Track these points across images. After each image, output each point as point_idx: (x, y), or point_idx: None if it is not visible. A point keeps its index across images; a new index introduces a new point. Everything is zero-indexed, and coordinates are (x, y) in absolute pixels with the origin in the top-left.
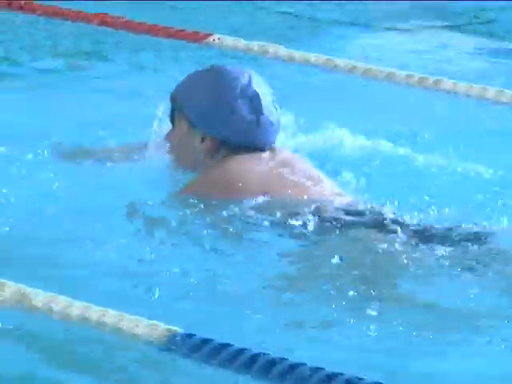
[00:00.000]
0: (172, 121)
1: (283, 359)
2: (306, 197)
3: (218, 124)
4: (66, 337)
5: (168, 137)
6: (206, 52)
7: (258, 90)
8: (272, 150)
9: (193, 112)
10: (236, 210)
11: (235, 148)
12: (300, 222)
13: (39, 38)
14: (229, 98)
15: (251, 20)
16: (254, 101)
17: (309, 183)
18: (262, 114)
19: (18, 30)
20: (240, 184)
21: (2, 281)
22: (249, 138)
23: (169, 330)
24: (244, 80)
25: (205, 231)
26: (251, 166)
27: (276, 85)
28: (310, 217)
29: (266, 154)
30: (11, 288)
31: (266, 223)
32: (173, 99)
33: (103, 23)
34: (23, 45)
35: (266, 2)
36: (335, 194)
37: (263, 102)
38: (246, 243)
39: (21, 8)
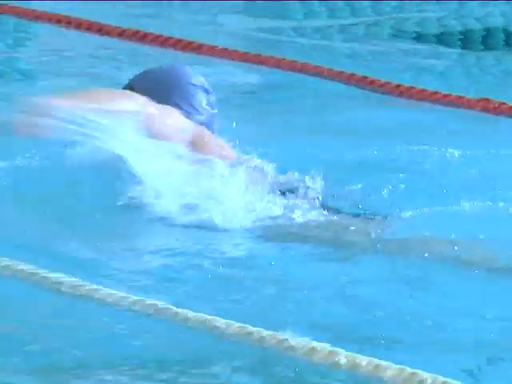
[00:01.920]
0: None
1: None
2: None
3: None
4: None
5: None
6: None
7: (210, 89)
8: None
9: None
10: None
11: None
12: None
13: None
14: (191, 85)
15: None
16: (210, 95)
17: None
18: (214, 108)
19: None
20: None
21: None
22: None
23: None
24: (201, 78)
25: None
26: None
27: None
28: None
29: None
30: None
31: None
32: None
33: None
34: None
35: None
36: None
37: (214, 99)
38: None
39: None
